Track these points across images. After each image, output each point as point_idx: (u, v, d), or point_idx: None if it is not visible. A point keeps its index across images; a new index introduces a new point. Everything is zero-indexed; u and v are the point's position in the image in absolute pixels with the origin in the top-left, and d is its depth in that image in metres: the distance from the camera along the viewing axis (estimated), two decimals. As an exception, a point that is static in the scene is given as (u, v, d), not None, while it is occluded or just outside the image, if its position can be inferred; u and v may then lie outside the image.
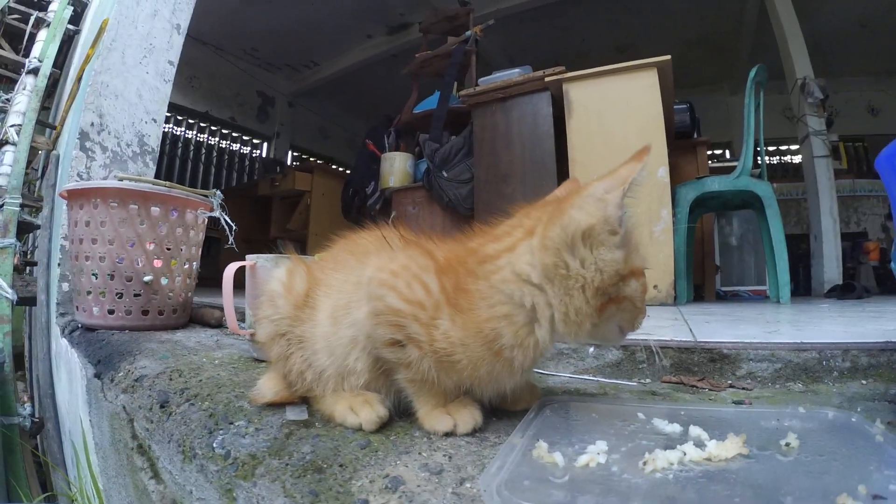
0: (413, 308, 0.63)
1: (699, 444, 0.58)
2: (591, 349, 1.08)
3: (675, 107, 3.39)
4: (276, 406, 0.80)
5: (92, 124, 2.12)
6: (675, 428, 0.65)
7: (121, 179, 1.76)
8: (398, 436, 0.70)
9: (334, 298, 0.76)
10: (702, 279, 3.78)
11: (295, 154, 8.24)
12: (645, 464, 0.53)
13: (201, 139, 7.45)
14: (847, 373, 0.96)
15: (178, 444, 0.76)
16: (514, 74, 3.14)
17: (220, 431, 0.73)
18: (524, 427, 0.66)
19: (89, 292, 1.62)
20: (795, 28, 4.36)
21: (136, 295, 1.63)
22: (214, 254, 4.14)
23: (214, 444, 0.70)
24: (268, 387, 0.82)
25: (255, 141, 7.99)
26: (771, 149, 7.17)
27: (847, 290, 3.30)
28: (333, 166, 7.24)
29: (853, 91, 6.50)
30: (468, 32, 3.76)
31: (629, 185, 0.59)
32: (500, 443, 0.67)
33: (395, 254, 0.71)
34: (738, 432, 0.59)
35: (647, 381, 1.04)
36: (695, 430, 0.63)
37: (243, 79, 7.36)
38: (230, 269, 1.16)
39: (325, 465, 0.61)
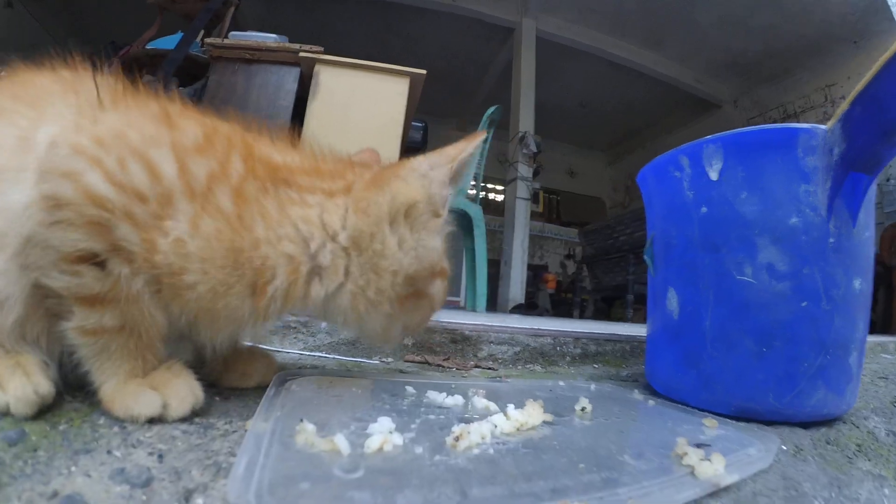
0: (126, 198, 0.44)
1: (494, 416, 0.52)
2: (324, 324, 0.94)
3: (412, 122, 3.55)
4: None
5: None
6: (457, 400, 0.59)
7: None
8: (72, 425, 0.46)
9: None
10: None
11: None
12: (457, 440, 0.44)
13: None
14: (578, 358, 1.03)
15: None
16: (269, 39, 2.92)
17: None
18: (267, 407, 0.50)
19: None
20: (530, 91, 5.23)
21: None
22: None
23: None
24: None
25: None
26: (482, 184, 8.26)
27: (531, 308, 3.90)
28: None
29: (558, 153, 7.90)
30: (233, -18, 3.35)
31: (457, 165, 0.53)
32: (234, 431, 0.49)
33: (106, 110, 0.49)
34: (523, 402, 0.56)
35: (389, 360, 0.97)
36: (480, 402, 0.58)
37: None
38: None
39: None
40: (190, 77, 3.11)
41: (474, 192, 3.33)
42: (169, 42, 3.34)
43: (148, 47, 3.40)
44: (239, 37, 2.93)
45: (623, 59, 5.84)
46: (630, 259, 3.96)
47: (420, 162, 0.54)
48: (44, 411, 0.47)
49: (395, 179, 0.53)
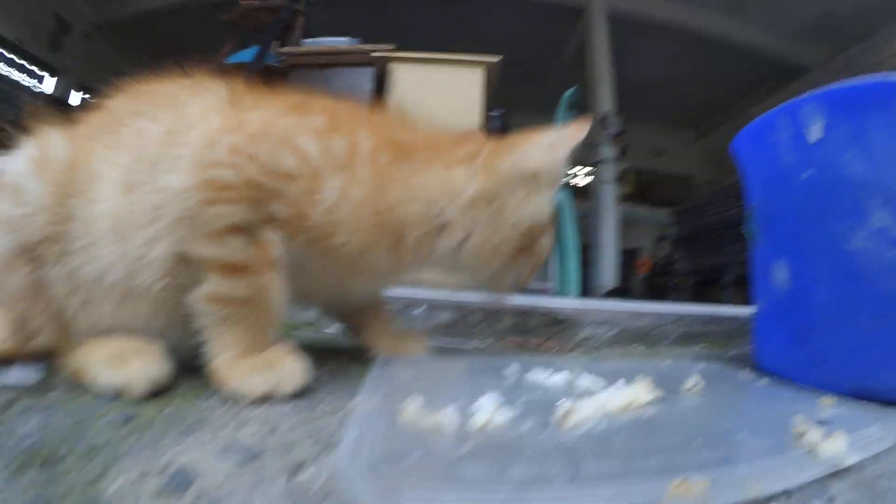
0: (280, 181, 0.52)
1: (601, 393, 0.50)
2: (418, 310, 0.96)
3: (491, 112, 3.52)
4: None
5: None
6: (561, 378, 0.57)
7: None
8: (182, 403, 0.48)
9: (129, 159, 0.55)
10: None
11: (85, 97, 6.73)
12: (565, 416, 0.43)
13: None
14: (681, 339, 0.99)
15: None
16: (341, 42, 2.99)
17: None
18: (374, 386, 0.51)
19: None
20: (607, 70, 5.11)
21: None
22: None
23: None
24: None
25: (38, 72, 6.33)
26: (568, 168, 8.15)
27: (624, 293, 3.77)
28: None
29: (643, 132, 7.45)
30: (301, -9, 3.49)
31: (574, 145, 0.59)
32: (339, 408, 0.49)
33: (243, 108, 0.57)
34: (632, 379, 0.55)
35: (487, 342, 0.95)
36: (585, 380, 0.56)
37: None
38: None
39: (59, 454, 0.38)
40: (269, 87, 3.26)
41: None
42: (246, 55, 3.44)
43: (226, 62, 3.60)
44: (312, 43, 3.03)
45: (702, 30, 5.57)
46: (725, 238, 3.72)
47: (545, 137, 0.60)
48: (156, 393, 0.49)
49: (521, 148, 0.59)
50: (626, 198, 5.46)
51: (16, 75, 6.15)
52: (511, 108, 3.91)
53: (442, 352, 0.80)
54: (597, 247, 4.77)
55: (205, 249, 0.50)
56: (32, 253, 0.53)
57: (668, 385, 0.56)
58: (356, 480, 0.31)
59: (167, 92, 0.60)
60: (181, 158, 0.52)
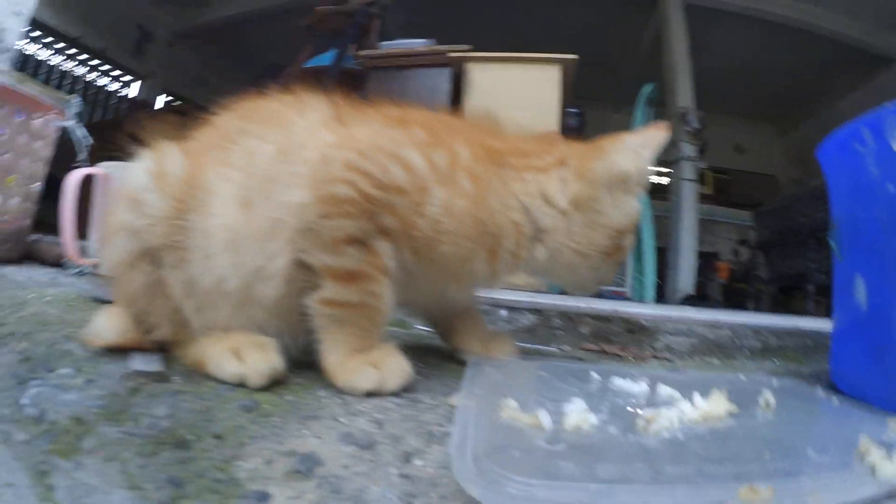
0: (391, 194, 0.54)
1: (679, 403, 0.53)
2: (504, 312, 1.01)
3: (567, 109, 3.49)
4: (119, 352, 0.59)
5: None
6: (642, 387, 0.59)
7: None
8: (295, 395, 0.52)
9: (241, 176, 0.58)
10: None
11: (168, 100, 7.08)
12: (648, 422, 0.46)
13: (66, 68, 6.16)
14: (758, 352, 0.99)
15: (-24, 398, 0.51)
16: (417, 44, 3.03)
17: (36, 382, 0.52)
18: (471, 385, 0.54)
19: None
20: (685, 63, 4.81)
21: (-43, 214, 1.26)
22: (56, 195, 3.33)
23: (25, 401, 0.48)
24: (109, 325, 0.60)
25: (124, 78, 6.80)
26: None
27: (702, 299, 3.62)
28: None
29: (723, 128, 7.01)
30: (375, -5, 3.57)
31: (660, 146, 0.62)
32: (437, 405, 0.53)
33: (351, 125, 0.59)
34: (708, 391, 0.56)
35: (566, 347, 0.98)
36: (664, 390, 0.58)
37: (123, 6, 6.19)
38: (75, 176, 0.88)
39: (191, 437, 0.42)
40: (348, 89, 3.33)
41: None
42: (324, 59, 3.55)
43: (305, 66, 3.67)
44: (389, 46, 3.07)
45: (781, 17, 5.19)
46: (810, 244, 3.45)
47: (632, 139, 0.62)
48: (272, 385, 0.53)
49: (611, 152, 0.61)
50: (704, 198, 5.18)
51: (103, 81, 6.64)
52: (585, 104, 3.85)
53: (527, 354, 0.82)
54: (674, 250, 4.52)
55: (324, 259, 0.53)
56: (153, 257, 0.57)
57: (743, 399, 0.57)
58: (464, 471, 0.34)
59: (271, 110, 0.63)
60: (298, 175, 0.55)
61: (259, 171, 0.57)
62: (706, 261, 5.05)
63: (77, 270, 1.25)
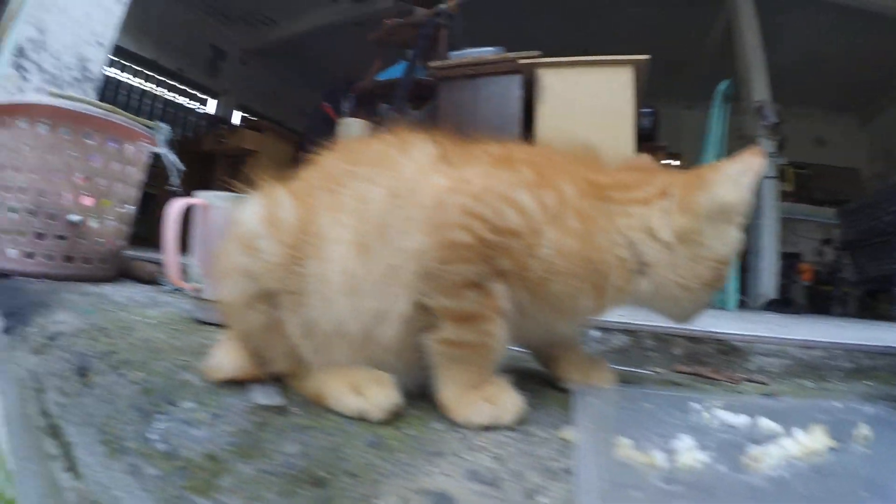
0: (506, 239, 0.55)
1: (782, 438, 0.54)
2: (597, 332, 1.03)
3: (641, 110, 3.43)
4: (234, 383, 0.62)
5: (30, 40, 1.81)
6: (744, 420, 0.59)
7: (54, 96, 1.49)
8: (415, 429, 0.53)
9: (355, 221, 0.58)
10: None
11: (243, 115, 7.52)
12: (755, 460, 0.47)
13: (146, 88, 6.60)
14: (850, 373, 0.97)
15: (100, 429, 0.54)
16: (487, 52, 3.04)
17: (161, 416, 0.54)
18: (582, 420, 0.55)
19: (6, 231, 1.36)
20: (758, 55, 4.58)
21: (59, 237, 1.38)
22: (150, 211, 3.58)
23: (153, 436, 0.50)
24: (228, 360, 0.63)
25: (200, 96, 7.20)
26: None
27: (786, 304, 3.45)
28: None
29: (801, 121, 6.67)
30: (442, 5, 3.61)
31: (759, 173, 0.60)
32: (549, 438, 0.54)
33: (458, 165, 0.60)
34: (807, 425, 0.56)
35: (660, 370, 0.97)
36: (764, 422, 0.58)
37: (196, 28, 6.60)
38: (176, 206, 0.91)
39: (326, 475, 0.43)
40: (420, 100, 3.33)
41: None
42: (395, 71, 3.61)
43: (377, 79, 3.75)
44: (458, 55, 3.08)
45: (857, 1, 4.87)
46: None
47: (732, 168, 0.61)
48: (391, 419, 0.55)
49: (714, 184, 0.60)
50: (785, 195, 4.84)
51: (182, 99, 7.05)
52: (656, 103, 3.75)
53: (623, 379, 0.81)
54: (755, 251, 4.26)
55: (443, 302, 0.54)
56: (270, 299, 0.59)
57: (840, 431, 0.57)
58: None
59: (376, 151, 0.64)
60: (414, 220, 0.56)
61: (372, 216, 0.58)
62: (789, 262, 4.71)
63: (173, 288, 1.32)
